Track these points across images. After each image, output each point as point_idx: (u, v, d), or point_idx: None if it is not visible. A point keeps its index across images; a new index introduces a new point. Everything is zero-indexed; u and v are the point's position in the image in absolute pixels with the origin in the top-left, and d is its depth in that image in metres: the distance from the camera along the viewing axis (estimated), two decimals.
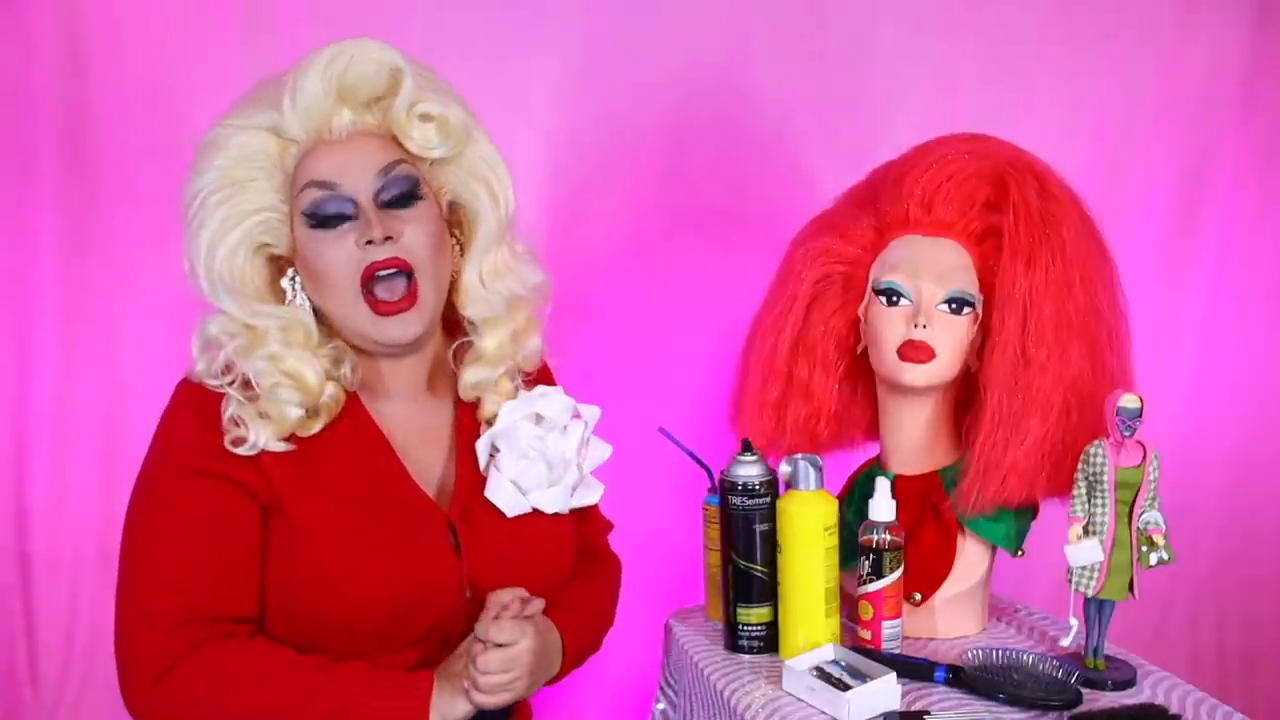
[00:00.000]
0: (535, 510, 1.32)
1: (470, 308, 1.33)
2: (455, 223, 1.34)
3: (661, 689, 1.55)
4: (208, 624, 1.19)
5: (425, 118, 1.28)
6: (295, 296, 1.28)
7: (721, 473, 1.41)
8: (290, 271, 1.28)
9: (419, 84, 1.27)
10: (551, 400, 1.34)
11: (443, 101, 1.29)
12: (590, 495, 1.37)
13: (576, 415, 1.35)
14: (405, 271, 1.24)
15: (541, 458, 1.31)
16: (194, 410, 1.24)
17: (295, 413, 1.23)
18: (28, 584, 1.91)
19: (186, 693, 1.17)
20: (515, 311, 1.35)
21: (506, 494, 1.30)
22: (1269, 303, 2.18)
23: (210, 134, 1.26)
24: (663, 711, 1.54)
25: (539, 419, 1.33)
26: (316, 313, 1.29)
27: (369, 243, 1.22)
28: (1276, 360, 2.19)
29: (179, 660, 1.17)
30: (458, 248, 1.34)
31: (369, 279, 1.23)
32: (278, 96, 1.24)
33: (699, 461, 1.49)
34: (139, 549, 1.22)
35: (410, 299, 1.25)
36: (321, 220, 1.24)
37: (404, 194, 1.26)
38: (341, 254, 1.23)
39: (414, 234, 1.25)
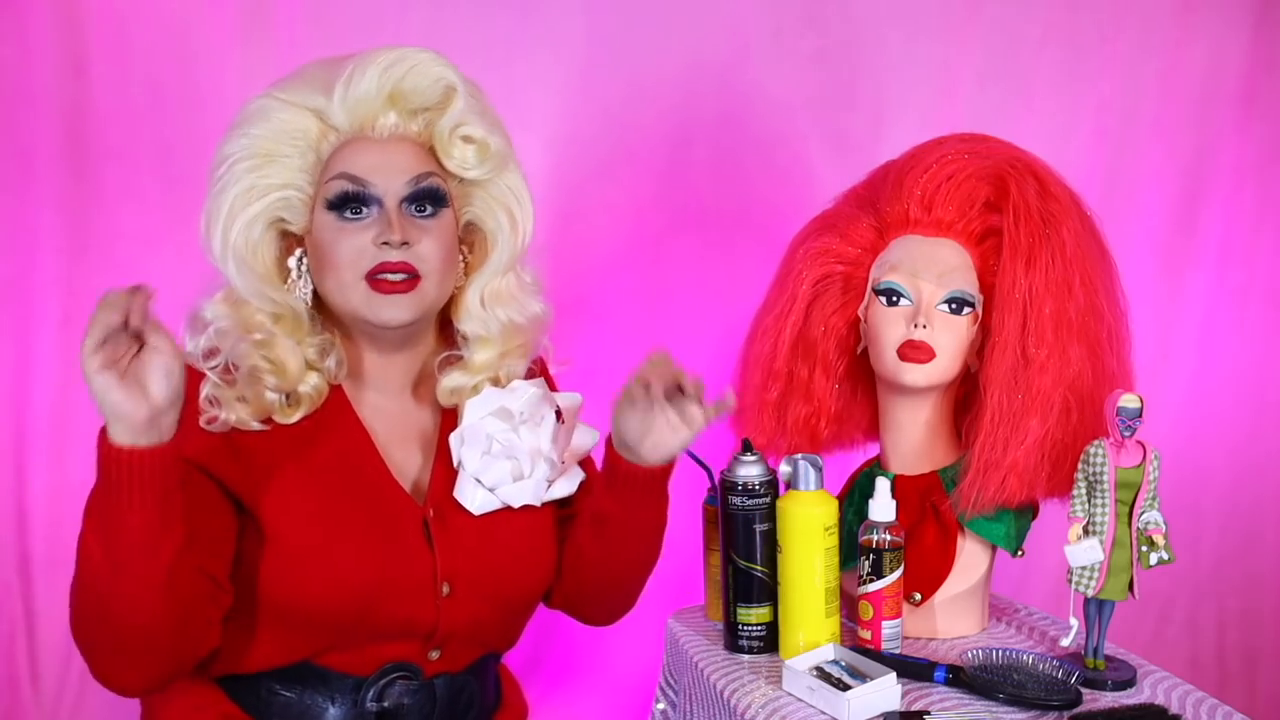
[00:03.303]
0: (507, 506, 1.32)
1: (466, 324, 1.34)
2: (467, 242, 1.36)
3: (661, 689, 1.55)
4: None
5: (467, 139, 1.30)
6: (300, 277, 1.30)
7: (721, 473, 1.41)
8: (299, 252, 1.29)
9: (468, 105, 1.29)
10: (520, 393, 1.34)
11: (486, 126, 1.31)
12: (569, 485, 1.37)
13: (554, 405, 1.36)
14: (410, 274, 1.26)
15: (505, 454, 1.31)
16: None
17: (271, 396, 1.25)
18: (28, 584, 1.91)
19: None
20: (510, 337, 1.36)
21: (471, 493, 1.30)
22: (1269, 303, 2.18)
23: (255, 103, 1.28)
24: (663, 711, 1.54)
25: (509, 414, 1.33)
26: (316, 297, 1.30)
27: (385, 243, 1.24)
28: (1276, 360, 2.19)
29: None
30: (463, 265, 1.35)
31: (375, 274, 1.24)
32: (329, 82, 1.26)
33: (699, 461, 1.49)
34: None
35: (409, 285, 1.25)
36: (343, 211, 1.25)
37: (428, 205, 1.28)
38: (356, 246, 1.24)
39: (429, 244, 1.26)
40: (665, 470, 1.33)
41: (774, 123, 2.04)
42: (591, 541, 1.37)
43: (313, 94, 1.26)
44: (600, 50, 1.98)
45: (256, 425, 1.25)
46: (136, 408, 1.08)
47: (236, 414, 1.24)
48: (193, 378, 1.24)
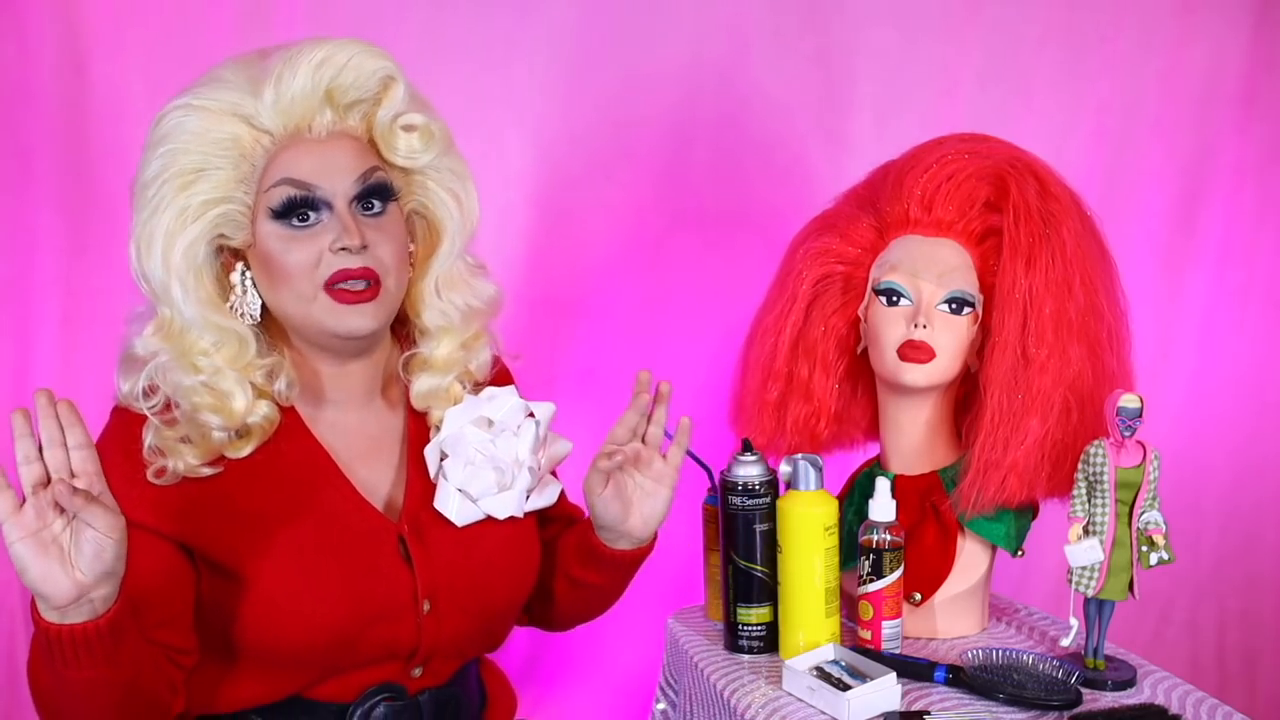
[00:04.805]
0: (490, 517, 1.28)
1: (425, 316, 1.30)
2: (411, 233, 1.30)
3: (661, 689, 1.55)
4: None
5: (409, 128, 1.24)
6: (245, 292, 1.22)
7: (721, 473, 1.41)
8: (240, 266, 1.22)
9: (406, 92, 1.24)
10: (500, 402, 1.30)
11: (425, 111, 1.26)
12: (548, 496, 1.34)
13: (530, 414, 1.32)
14: (371, 280, 1.20)
15: (490, 463, 1.27)
16: (113, 446, 1.18)
17: (219, 435, 1.18)
18: None
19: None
20: (468, 323, 1.32)
21: (454, 503, 1.26)
22: (1269, 303, 2.18)
23: (172, 114, 1.19)
24: (663, 711, 1.54)
25: (488, 423, 1.30)
26: (265, 312, 1.24)
27: (343, 249, 1.18)
28: (1276, 360, 2.19)
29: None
30: (411, 257, 1.29)
31: (334, 282, 1.19)
32: (255, 83, 1.18)
33: (699, 461, 1.49)
34: None
35: (372, 292, 1.20)
36: (292, 219, 1.19)
37: (378, 202, 1.22)
38: (310, 254, 1.18)
39: (383, 244, 1.21)
40: (651, 547, 1.34)
41: (774, 123, 2.04)
42: (569, 596, 1.39)
43: (237, 97, 1.18)
44: (600, 50, 1.98)
45: (207, 471, 1.18)
46: (59, 588, 0.98)
47: (184, 461, 1.17)
48: (133, 424, 1.18)
